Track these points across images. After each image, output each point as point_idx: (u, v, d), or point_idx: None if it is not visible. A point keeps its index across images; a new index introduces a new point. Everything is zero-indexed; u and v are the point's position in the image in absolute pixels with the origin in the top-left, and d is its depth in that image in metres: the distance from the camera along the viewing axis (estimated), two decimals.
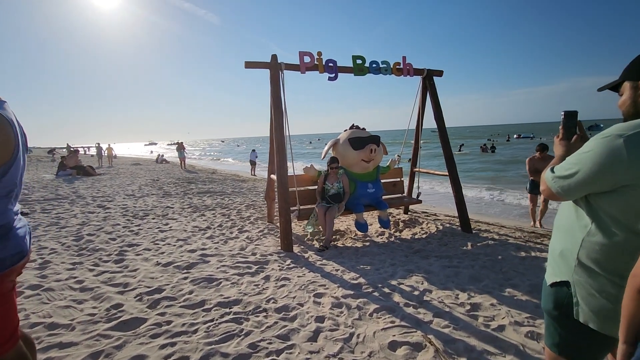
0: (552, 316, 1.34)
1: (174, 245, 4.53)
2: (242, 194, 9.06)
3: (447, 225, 5.94)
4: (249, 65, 4.56)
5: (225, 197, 8.64)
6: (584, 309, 1.22)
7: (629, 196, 1.09)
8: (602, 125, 68.80)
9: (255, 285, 3.31)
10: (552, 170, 1.30)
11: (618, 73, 1.31)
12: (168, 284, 3.28)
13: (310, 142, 72.71)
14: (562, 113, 1.44)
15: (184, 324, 2.56)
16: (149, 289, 3.15)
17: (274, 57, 4.65)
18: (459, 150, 31.09)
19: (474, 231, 5.51)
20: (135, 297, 3.01)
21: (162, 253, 4.24)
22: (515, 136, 54.12)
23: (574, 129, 1.43)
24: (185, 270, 3.65)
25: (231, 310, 2.81)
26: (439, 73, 5.65)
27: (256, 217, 6.26)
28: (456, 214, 6.52)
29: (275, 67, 4.62)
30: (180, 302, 2.93)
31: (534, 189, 6.46)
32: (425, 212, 7.15)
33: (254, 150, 18.50)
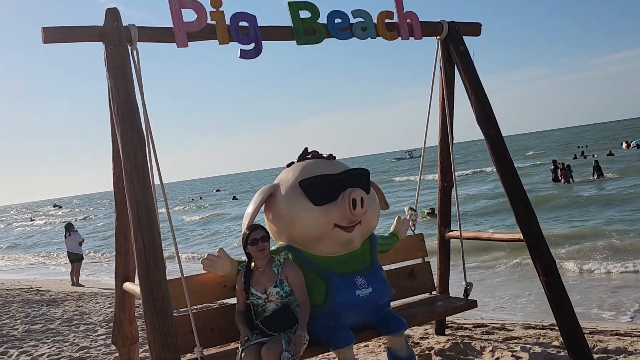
0: None
1: None
2: (55, 334, 7.91)
3: (534, 348, 5.30)
4: (55, 36, 3.80)
5: (14, 346, 7.34)
6: None
7: None
8: None
9: None
10: None
11: None
12: None
13: (201, 199, 66.86)
14: None
15: None
16: None
17: (112, 14, 3.87)
18: (560, 175, 26.87)
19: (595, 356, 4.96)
20: None
21: None
22: (624, 145, 48.19)
23: None
24: None
25: None
26: (475, 29, 5.38)
27: None
28: (548, 322, 6.43)
29: (114, 38, 3.88)
30: None
31: None
32: (481, 326, 6.55)
33: (71, 229, 14.65)
